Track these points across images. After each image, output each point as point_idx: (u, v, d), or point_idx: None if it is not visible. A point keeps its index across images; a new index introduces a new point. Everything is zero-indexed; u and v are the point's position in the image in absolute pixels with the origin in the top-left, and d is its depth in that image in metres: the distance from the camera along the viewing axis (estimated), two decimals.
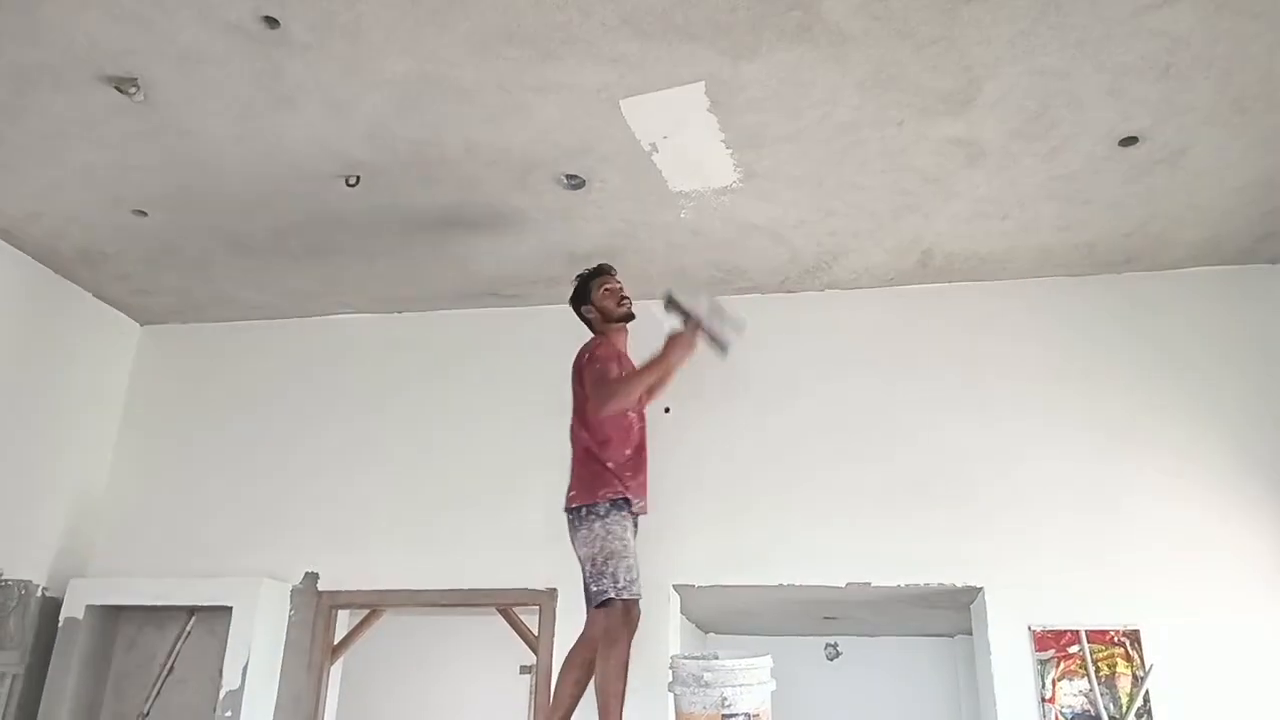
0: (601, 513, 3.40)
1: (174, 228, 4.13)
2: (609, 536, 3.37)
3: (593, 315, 3.69)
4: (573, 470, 3.52)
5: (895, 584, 4.05)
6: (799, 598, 4.43)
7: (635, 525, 3.55)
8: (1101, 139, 3.39)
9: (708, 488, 4.25)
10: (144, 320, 5.03)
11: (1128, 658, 3.82)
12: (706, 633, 6.22)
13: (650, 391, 3.66)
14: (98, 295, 4.75)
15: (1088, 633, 3.86)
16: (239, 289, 4.66)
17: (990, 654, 3.92)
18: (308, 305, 4.81)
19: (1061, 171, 3.59)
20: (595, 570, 3.37)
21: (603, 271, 3.74)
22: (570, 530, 3.47)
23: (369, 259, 4.34)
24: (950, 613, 4.65)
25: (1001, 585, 3.98)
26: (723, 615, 5.46)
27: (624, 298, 3.69)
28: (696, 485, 4.26)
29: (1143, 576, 3.90)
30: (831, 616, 5.45)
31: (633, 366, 3.61)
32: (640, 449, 3.60)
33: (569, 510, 3.47)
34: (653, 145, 3.57)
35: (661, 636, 4.09)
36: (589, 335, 3.67)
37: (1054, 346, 4.27)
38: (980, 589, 4.02)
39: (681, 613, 4.49)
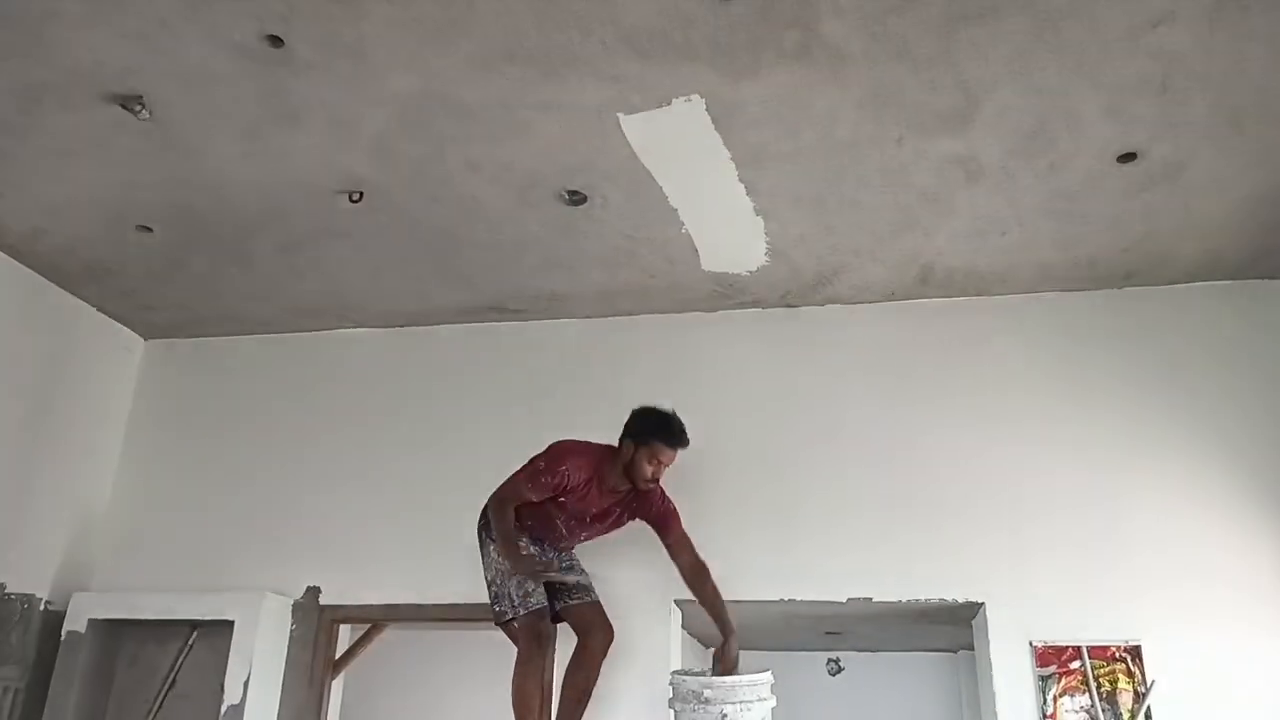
0: (491, 535, 3.61)
1: (179, 244, 4.15)
2: (500, 557, 3.58)
3: (624, 457, 3.60)
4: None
5: (896, 599, 4.05)
6: (800, 613, 4.43)
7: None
8: (1100, 156, 3.42)
9: (707, 503, 4.24)
10: (148, 335, 5.06)
11: (1129, 673, 3.81)
12: (708, 648, 6.21)
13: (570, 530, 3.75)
14: (102, 310, 4.78)
15: (1089, 648, 3.86)
16: (243, 304, 4.69)
17: (991, 670, 3.92)
18: (311, 320, 4.84)
19: (1060, 188, 3.61)
20: (495, 591, 3.57)
21: (673, 444, 3.59)
22: (480, 550, 3.70)
23: (372, 274, 4.36)
24: (951, 628, 4.65)
25: (1002, 601, 3.97)
26: None
27: (657, 479, 3.63)
28: (696, 501, 4.25)
29: (1144, 592, 3.89)
30: (833, 632, 5.45)
31: (591, 498, 3.62)
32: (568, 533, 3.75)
33: (479, 525, 3.71)
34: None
35: (662, 652, 4.10)
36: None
37: (1054, 361, 4.28)
38: (981, 604, 4.02)
39: (683, 628, 4.49)
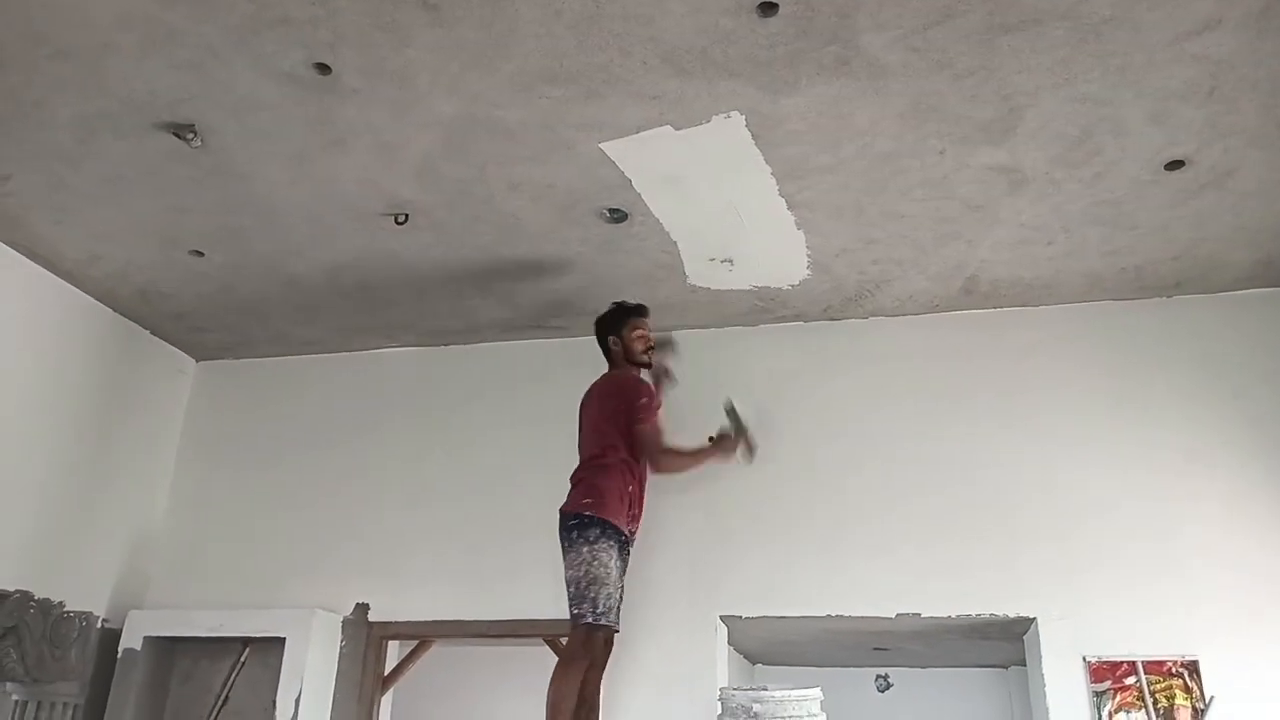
0: (591, 538, 3.57)
1: (230, 267, 4.24)
2: (595, 563, 3.55)
3: (617, 349, 3.94)
4: (583, 478, 3.72)
5: (946, 615, 4.01)
6: (848, 629, 4.39)
7: (626, 550, 3.74)
8: (1146, 163, 3.37)
9: (754, 518, 4.24)
10: (200, 356, 5.17)
11: (1187, 689, 3.73)
12: (755, 664, 6.18)
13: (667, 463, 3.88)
14: (155, 333, 4.89)
15: (1144, 663, 3.78)
16: (291, 325, 4.77)
17: (1044, 686, 3.86)
18: (358, 340, 4.91)
19: (1106, 197, 3.57)
20: (578, 593, 3.54)
21: (640, 313, 3.98)
22: (561, 541, 3.65)
23: (417, 294, 4.42)
24: (1003, 643, 4.58)
25: (1055, 616, 3.91)
26: (771, 646, 5.43)
27: (650, 346, 3.96)
28: (742, 516, 4.26)
29: (1201, 605, 3.81)
30: (882, 648, 5.39)
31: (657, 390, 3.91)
32: (643, 484, 3.84)
33: (564, 514, 3.66)
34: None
35: (709, 668, 4.08)
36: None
37: (1103, 372, 4.22)
38: (1033, 619, 3.96)
39: (729, 644, 4.47)
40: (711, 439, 4.20)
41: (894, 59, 2.92)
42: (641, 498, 3.82)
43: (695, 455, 3.84)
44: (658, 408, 3.81)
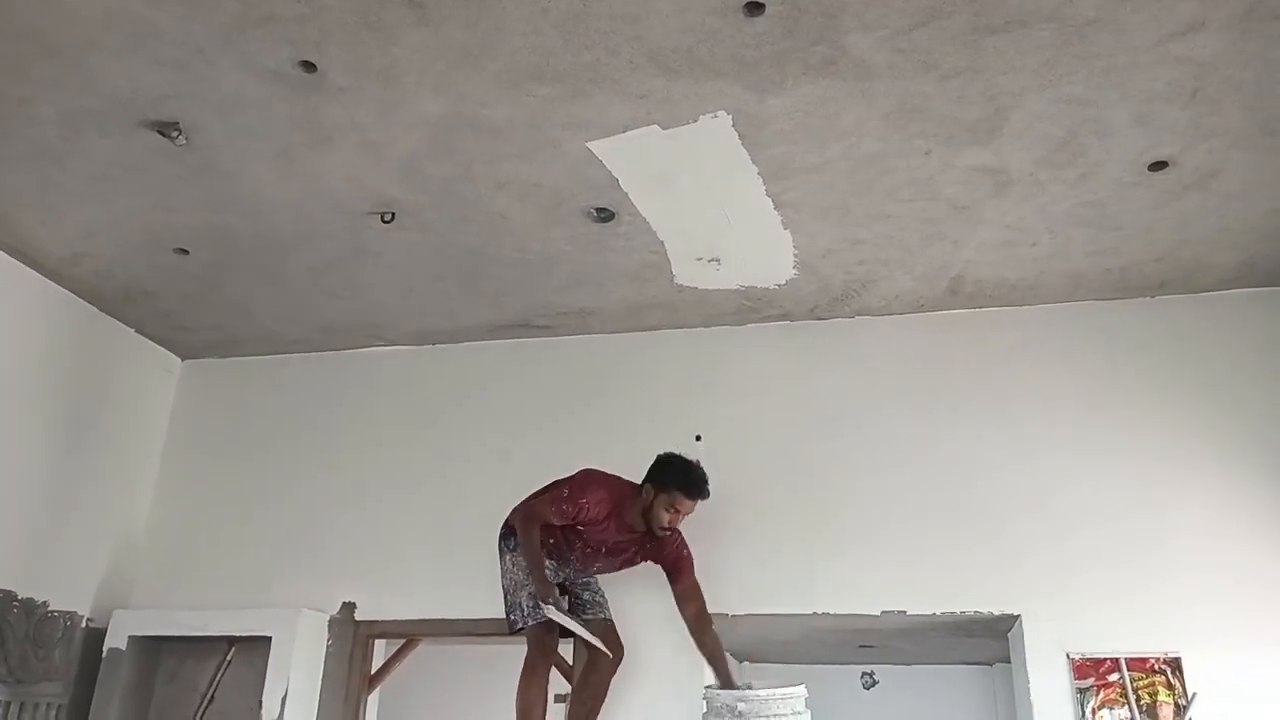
0: (511, 545, 3.76)
1: (215, 265, 4.23)
2: (516, 568, 3.71)
3: (644, 500, 3.69)
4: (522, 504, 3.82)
5: (931, 612, 4.02)
6: (834, 626, 4.41)
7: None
8: (1130, 165, 3.39)
9: (740, 517, 4.25)
10: (185, 355, 5.14)
11: (1169, 686, 3.76)
12: (742, 662, 6.20)
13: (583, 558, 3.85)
14: (140, 331, 4.86)
15: (1127, 660, 3.81)
16: (277, 324, 4.76)
17: (1028, 682, 3.88)
18: (344, 339, 4.90)
19: (1090, 198, 3.59)
20: (508, 601, 3.71)
21: (693, 495, 3.68)
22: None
23: (403, 293, 4.41)
24: (988, 641, 4.61)
25: (1039, 613, 3.93)
26: (758, 644, 5.44)
27: (674, 527, 3.71)
28: (729, 515, 4.26)
29: (1183, 603, 3.83)
30: (868, 645, 5.41)
31: (609, 531, 3.73)
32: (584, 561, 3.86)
33: (501, 533, 3.83)
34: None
35: (695, 666, 4.08)
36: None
37: (1088, 371, 4.24)
38: (1017, 616, 3.98)
39: None
40: (699, 438, 4.25)
41: (880, 60, 2.93)
42: (577, 557, 3.85)
43: (537, 565, 3.60)
44: (567, 512, 3.64)
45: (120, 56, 3.00)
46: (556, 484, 3.77)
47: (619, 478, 3.79)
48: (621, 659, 3.86)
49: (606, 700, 3.87)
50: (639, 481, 3.76)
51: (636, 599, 4.07)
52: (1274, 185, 3.50)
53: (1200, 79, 2.99)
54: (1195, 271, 4.08)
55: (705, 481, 3.69)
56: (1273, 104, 3.09)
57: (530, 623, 3.65)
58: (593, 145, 3.36)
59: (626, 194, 3.64)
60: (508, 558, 3.78)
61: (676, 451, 3.79)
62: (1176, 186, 3.51)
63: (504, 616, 3.76)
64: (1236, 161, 3.37)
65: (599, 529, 3.71)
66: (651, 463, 3.78)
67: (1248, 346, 4.14)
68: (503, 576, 3.79)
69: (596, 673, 3.80)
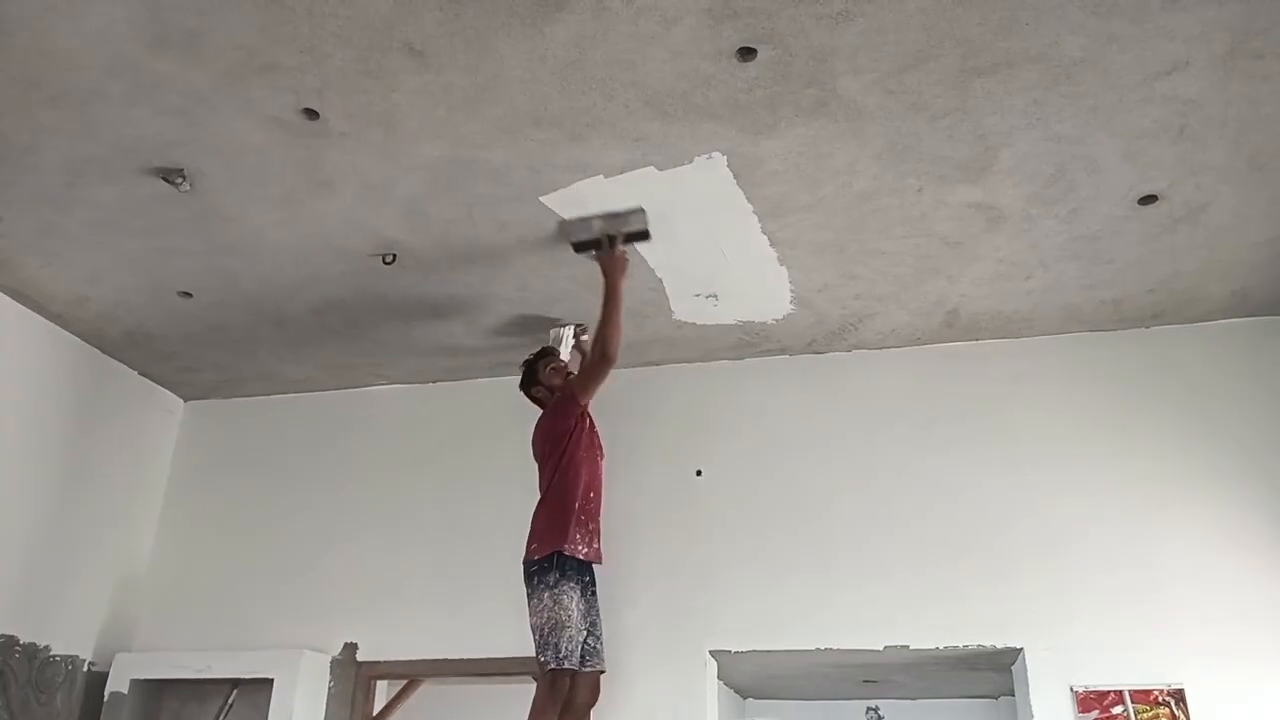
0: (551, 582, 3.63)
1: (218, 308, 4.27)
2: (556, 607, 3.60)
3: (541, 394, 4.04)
4: (533, 524, 3.79)
5: (933, 646, 4.02)
6: (837, 662, 4.40)
7: (590, 581, 3.80)
8: (1120, 200, 3.44)
9: (742, 552, 4.26)
10: (188, 396, 5.17)
11: (1173, 717, 3.75)
12: (745, 698, 6.17)
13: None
14: (144, 374, 4.90)
15: (1131, 692, 3.80)
16: (280, 364, 4.79)
17: (1033, 716, 3.86)
18: (346, 378, 4.93)
19: (1082, 232, 3.63)
20: (542, 639, 3.58)
21: (546, 353, 4.10)
22: (527, 591, 3.71)
23: (405, 332, 4.45)
24: (991, 674, 4.59)
25: (1041, 646, 3.92)
26: (761, 681, 5.42)
27: (569, 372, 4.03)
28: (730, 550, 4.28)
29: (1185, 634, 3.83)
30: (871, 680, 5.39)
31: (581, 414, 3.91)
32: (599, 491, 3.89)
33: (527, 564, 3.72)
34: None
35: (699, 704, 4.08)
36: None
37: (1084, 403, 4.26)
38: (1020, 650, 3.98)
39: (719, 679, 4.46)
40: (699, 473, 4.29)
41: (871, 101, 2.99)
42: (595, 510, 3.87)
43: (608, 302, 3.68)
44: (582, 399, 3.85)
45: (123, 104, 3.06)
46: (571, 386, 3.89)
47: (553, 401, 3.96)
48: (596, 702, 3.78)
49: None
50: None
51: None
52: (1262, 218, 3.55)
53: (1186, 116, 3.04)
54: (1188, 302, 4.12)
55: (531, 353, 4.12)
56: (1258, 139, 3.14)
57: (565, 665, 3.54)
58: (591, 185, 3.40)
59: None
60: (545, 595, 3.62)
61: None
62: (1167, 220, 3.56)
63: (536, 655, 3.61)
64: (1225, 195, 3.42)
65: (584, 427, 3.91)
66: (522, 388, 4.09)
67: (1243, 375, 4.16)
68: (535, 614, 3.64)
69: (577, 711, 3.73)
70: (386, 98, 3.00)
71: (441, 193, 3.46)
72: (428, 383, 4.95)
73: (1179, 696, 3.76)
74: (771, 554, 4.25)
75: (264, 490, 4.91)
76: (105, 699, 4.37)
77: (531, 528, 3.79)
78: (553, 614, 3.59)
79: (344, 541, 4.70)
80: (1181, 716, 3.74)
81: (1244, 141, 3.15)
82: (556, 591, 3.61)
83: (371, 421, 4.95)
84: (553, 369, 4.03)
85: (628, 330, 4.31)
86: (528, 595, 3.68)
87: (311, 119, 3.09)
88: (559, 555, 3.65)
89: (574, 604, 3.62)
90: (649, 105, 3.01)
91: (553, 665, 3.53)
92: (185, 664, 4.42)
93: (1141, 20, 2.68)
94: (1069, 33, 2.72)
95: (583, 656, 3.68)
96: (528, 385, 4.08)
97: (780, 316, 4.27)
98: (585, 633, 3.70)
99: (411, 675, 4.56)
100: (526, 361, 4.10)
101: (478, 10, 2.67)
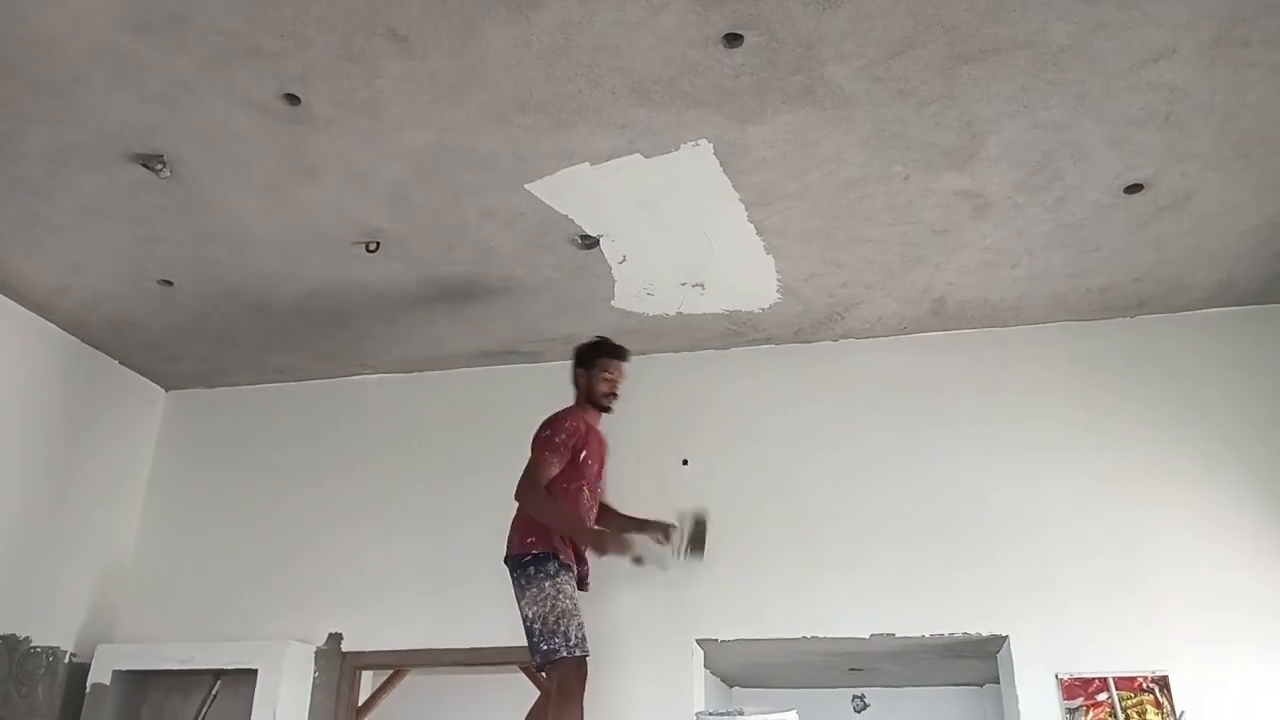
0: (551, 571, 3.57)
1: (200, 297, 4.23)
2: (560, 595, 3.54)
3: (581, 384, 3.85)
4: (516, 521, 3.70)
5: (919, 634, 4.03)
6: (824, 650, 4.41)
7: (583, 584, 3.74)
8: (1106, 188, 3.45)
9: (729, 541, 4.25)
10: (170, 386, 5.13)
11: (1158, 704, 3.77)
12: (732, 687, 6.18)
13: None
14: (125, 363, 4.86)
15: (1116, 679, 3.82)
16: (263, 353, 4.75)
17: (1018, 703, 3.88)
18: (330, 367, 4.90)
19: (1068, 220, 3.64)
20: (546, 629, 3.49)
21: (616, 355, 3.88)
22: (515, 585, 3.61)
23: (389, 321, 4.42)
24: (977, 662, 4.61)
25: (1027, 633, 3.95)
26: (748, 669, 5.43)
27: (615, 394, 3.84)
28: (717, 538, 4.26)
29: (1170, 621, 3.86)
30: (857, 668, 5.40)
31: (595, 442, 3.79)
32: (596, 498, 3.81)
33: (513, 558, 3.63)
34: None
35: (686, 692, 4.08)
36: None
37: (1070, 391, 4.28)
38: (1006, 638, 3.99)
39: (705, 667, 4.47)
40: (685, 462, 4.28)
41: (858, 88, 2.97)
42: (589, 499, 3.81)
43: (573, 524, 3.65)
44: (561, 446, 3.66)
45: (105, 91, 3.02)
46: (536, 443, 3.69)
47: (570, 405, 3.83)
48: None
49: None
50: (576, 394, 3.86)
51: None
52: (1248, 205, 3.56)
53: (1173, 104, 3.04)
54: (1174, 291, 4.13)
55: (619, 344, 3.90)
56: (1244, 127, 3.15)
57: (577, 653, 3.47)
58: (576, 173, 3.38)
59: (611, 221, 3.66)
60: (532, 589, 3.55)
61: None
62: (1153, 208, 3.56)
63: (534, 646, 3.51)
64: (1211, 183, 3.43)
65: (589, 442, 3.76)
66: (572, 358, 3.91)
67: (1228, 363, 4.19)
68: (527, 605, 3.54)
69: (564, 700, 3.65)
70: (370, 84, 2.97)
71: (426, 180, 3.44)
72: (413, 372, 4.93)
73: (1163, 683, 3.79)
74: (757, 542, 4.26)
75: (247, 480, 4.87)
76: (87, 690, 4.33)
77: (518, 521, 3.71)
78: (557, 603, 3.52)
79: (328, 531, 4.67)
80: (1166, 703, 3.76)
81: (1230, 129, 3.16)
82: (558, 580, 3.56)
83: (356, 411, 4.92)
84: (606, 377, 3.81)
85: (615, 320, 4.32)
86: (521, 587, 3.60)
87: (294, 105, 3.06)
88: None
89: (574, 591, 3.60)
90: (635, 92, 2.99)
91: (563, 653, 3.45)
92: (168, 655, 4.39)
93: (1128, 7, 2.67)
94: (1056, 19, 2.71)
95: None
96: (578, 363, 3.89)
97: (767, 305, 4.27)
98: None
99: (396, 665, 4.54)
100: (599, 342, 3.90)
101: None
